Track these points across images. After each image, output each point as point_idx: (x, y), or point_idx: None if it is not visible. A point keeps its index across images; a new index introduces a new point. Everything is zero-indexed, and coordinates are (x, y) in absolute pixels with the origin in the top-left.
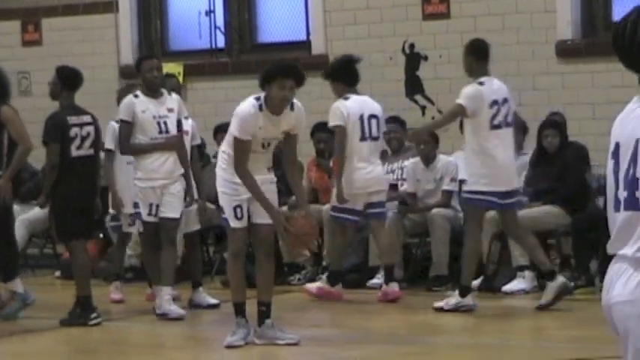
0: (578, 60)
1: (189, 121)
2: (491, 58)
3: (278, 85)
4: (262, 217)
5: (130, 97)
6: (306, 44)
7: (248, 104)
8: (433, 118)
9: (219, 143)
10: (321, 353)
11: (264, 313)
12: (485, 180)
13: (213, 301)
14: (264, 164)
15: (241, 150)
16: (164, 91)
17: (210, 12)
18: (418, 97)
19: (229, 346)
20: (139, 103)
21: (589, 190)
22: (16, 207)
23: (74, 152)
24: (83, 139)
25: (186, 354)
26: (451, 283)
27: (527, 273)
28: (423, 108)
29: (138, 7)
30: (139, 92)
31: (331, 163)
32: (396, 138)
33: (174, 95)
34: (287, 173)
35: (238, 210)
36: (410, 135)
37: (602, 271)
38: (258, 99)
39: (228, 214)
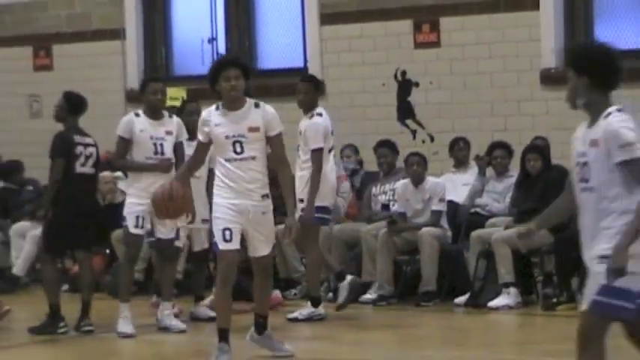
0: (562, 87)
1: None
2: (478, 84)
3: (224, 78)
4: (260, 250)
5: (130, 115)
6: (303, 70)
7: (205, 110)
8: (423, 141)
9: None
10: None
11: (261, 324)
12: (320, 197)
13: (213, 314)
14: (249, 181)
15: (197, 149)
16: (165, 113)
17: (212, 39)
18: (409, 122)
19: None
20: (138, 122)
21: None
22: (26, 224)
23: (78, 169)
24: (87, 158)
25: None
26: (439, 299)
27: (512, 289)
28: (414, 132)
29: (144, 34)
30: (140, 112)
31: None
32: (387, 162)
33: (174, 118)
34: (278, 175)
35: (227, 233)
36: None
37: (583, 288)
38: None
39: (217, 237)
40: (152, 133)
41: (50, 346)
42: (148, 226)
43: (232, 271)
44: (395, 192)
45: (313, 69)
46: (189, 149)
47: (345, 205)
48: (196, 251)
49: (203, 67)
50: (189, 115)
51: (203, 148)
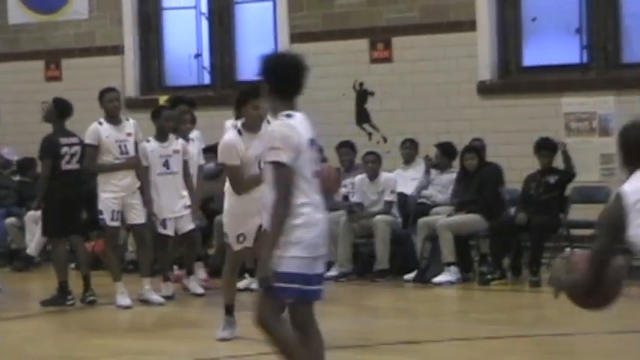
0: (495, 96)
1: (195, 142)
2: (425, 94)
3: (251, 105)
4: None
5: (95, 125)
6: None
7: (229, 134)
8: (378, 142)
9: (207, 161)
10: None
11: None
12: None
13: (200, 290)
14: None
15: (235, 175)
16: (123, 117)
17: (198, 55)
18: (366, 126)
19: (222, 339)
20: (103, 130)
21: (503, 201)
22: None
23: (64, 166)
24: (72, 156)
25: (173, 331)
26: (391, 276)
27: (453, 268)
28: (370, 134)
29: (140, 50)
30: (102, 120)
31: None
32: (348, 159)
33: (131, 120)
34: None
35: (241, 237)
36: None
37: (513, 267)
38: (235, 126)
39: (231, 238)
40: (116, 137)
41: (60, 316)
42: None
43: (239, 264)
44: (354, 185)
45: None
46: (161, 150)
47: None
48: (185, 233)
49: (190, 78)
50: (164, 119)
51: (241, 170)
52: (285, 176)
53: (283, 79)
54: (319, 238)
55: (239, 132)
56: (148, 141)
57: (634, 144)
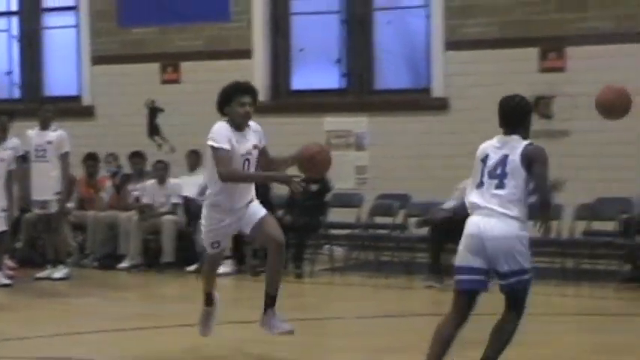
0: (267, 116)
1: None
2: (209, 112)
3: (238, 102)
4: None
5: None
6: (78, 98)
7: (220, 122)
8: (166, 152)
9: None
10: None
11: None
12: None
13: (7, 281)
14: (247, 193)
15: (225, 159)
16: None
17: (9, 72)
18: (156, 138)
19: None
20: None
21: (272, 205)
22: None
23: None
24: None
25: None
26: (176, 267)
27: (229, 261)
28: (159, 145)
29: None
30: None
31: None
32: (139, 167)
33: None
34: (270, 164)
35: (215, 244)
36: None
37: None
38: (226, 123)
39: (206, 245)
40: None
41: None
42: None
43: (218, 263)
44: (145, 189)
45: (86, 97)
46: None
47: (107, 198)
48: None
49: (2, 93)
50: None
51: (231, 156)
52: None
53: None
54: None
55: (229, 125)
56: None
57: (501, 112)
